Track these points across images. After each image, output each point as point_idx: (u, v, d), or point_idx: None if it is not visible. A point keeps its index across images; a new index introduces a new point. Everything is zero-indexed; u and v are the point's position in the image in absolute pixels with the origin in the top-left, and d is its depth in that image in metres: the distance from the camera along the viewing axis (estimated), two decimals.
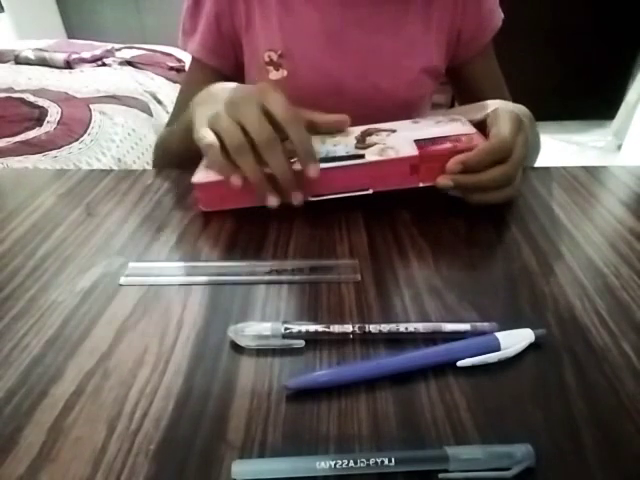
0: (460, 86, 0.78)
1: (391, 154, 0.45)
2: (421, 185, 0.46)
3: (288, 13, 0.63)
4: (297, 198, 0.44)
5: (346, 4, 0.63)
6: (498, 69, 0.75)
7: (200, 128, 0.45)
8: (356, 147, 0.47)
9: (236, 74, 0.70)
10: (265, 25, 0.64)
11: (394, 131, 0.50)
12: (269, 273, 0.40)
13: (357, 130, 0.51)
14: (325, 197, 0.46)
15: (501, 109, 0.48)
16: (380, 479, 0.25)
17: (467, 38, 0.69)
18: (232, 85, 0.52)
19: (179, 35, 0.70)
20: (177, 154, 0.61)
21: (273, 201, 0.43)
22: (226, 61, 0.69)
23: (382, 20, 0.64)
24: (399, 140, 0.47)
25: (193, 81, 0.71)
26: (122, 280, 0.39)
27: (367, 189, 0.46)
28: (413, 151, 0.45)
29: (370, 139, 0.48)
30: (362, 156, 0.45)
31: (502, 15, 0.70)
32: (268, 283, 0.39)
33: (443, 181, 0.44)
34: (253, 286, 0.38)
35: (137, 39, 2.37)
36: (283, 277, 0.39)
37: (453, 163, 0.44)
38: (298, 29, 0.64)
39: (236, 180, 0.43)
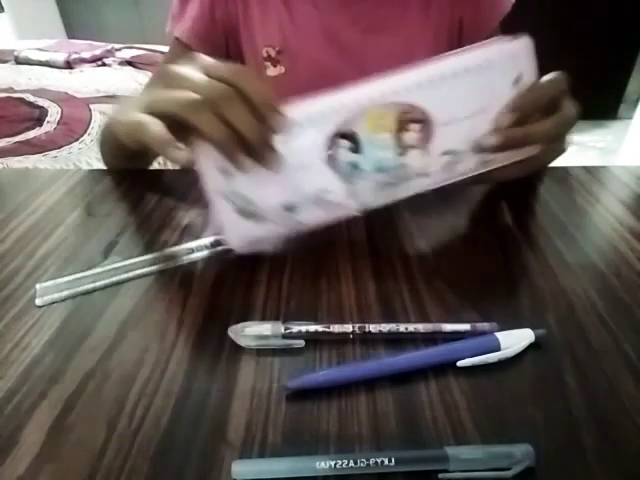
0: None
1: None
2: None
3: (288, 10, 0.64)
4: (271, 160, 0.35)
5: (344, 3, 0.63)
6: None
7: (133, 117, 0.37)
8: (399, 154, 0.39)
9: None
10: (264, 21, 0.65)
11: (426, 121, 0.39)
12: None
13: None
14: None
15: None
16: (380, 479, 0.25)
17: (469, 28, 0.67)
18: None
19: (169, 20, 0.67)
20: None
21: (244, 162, 0.34)
22: (216, 49, 0.67)
23: (380, 18, 0.64)
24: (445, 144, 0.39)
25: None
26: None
27: None
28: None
29: (406, 137, 0.39)
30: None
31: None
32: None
33: (490, 140, 0.39)
34: (253, 286, 0.38)
35: (137, 39, 2.36)
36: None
37: (505, 116, 0.39)
38: (297, 26, 0.65)
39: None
